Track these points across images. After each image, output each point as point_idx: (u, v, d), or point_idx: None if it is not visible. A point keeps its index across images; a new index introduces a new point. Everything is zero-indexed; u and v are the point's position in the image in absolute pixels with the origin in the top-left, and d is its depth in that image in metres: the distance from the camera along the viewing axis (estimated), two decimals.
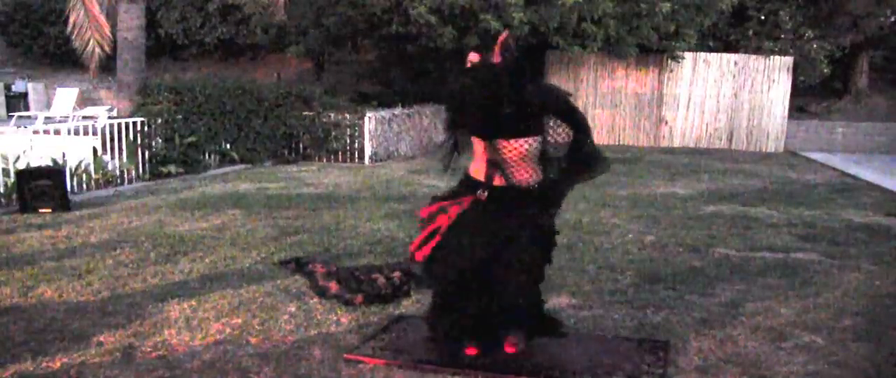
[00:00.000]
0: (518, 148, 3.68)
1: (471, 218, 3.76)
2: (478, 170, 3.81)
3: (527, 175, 3.74)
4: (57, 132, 9.57)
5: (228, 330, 4.26)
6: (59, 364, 3.74)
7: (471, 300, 3.81)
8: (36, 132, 9.49)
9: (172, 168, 10.44)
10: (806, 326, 4.49)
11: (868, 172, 12.67)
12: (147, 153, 10.38)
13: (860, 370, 3.87)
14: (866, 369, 3.88)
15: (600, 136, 17.36)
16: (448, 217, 3.79)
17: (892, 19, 17.69)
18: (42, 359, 3.78)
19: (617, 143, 17.21)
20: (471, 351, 3.88)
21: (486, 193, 3.74)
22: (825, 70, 17.00)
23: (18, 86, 18.21)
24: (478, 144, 3.79)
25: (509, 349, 3.91)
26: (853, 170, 13.01)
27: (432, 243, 3.81)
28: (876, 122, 17.24)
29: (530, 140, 3.69)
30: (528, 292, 3.89)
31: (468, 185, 3.83)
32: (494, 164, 3.73)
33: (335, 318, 4.50)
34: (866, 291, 5.30)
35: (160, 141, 10.82)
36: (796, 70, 16.79)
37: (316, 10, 14.78)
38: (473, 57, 3.74)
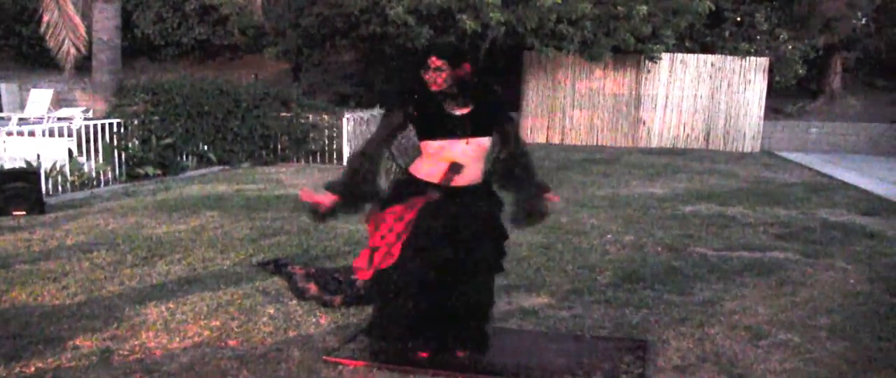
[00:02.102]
0: (481, 146, 3.68)
1: (431, 221, 3.66)
2: (427, 170, 3.68)
3: (478, 174, 3.73)
4: (31, 134, 9.45)
5: (207, 332, 4.23)
6: (33, 369, 3.69)
7: (429, 304, 3.75)
8: (9, 134, 9.37)
9: (149, 170, 10.35)
10: (782, 325, 4.54)
11: (842, 172, 12.83)
12: (123, 155, 10.28)
13: (835, 367, 3.91)
14: (841, 367, 3.92)
15: (578, 137, 17.46)
16: (404, 224, 3.67)
17: (864, 21, 17.95)
18: (16, 364, 3.73)
19: (595, 144, 17.30)
20: (423, 354, 3.84)
21: (437, 194, 3.65)
22: (800, 71, 17.21)
23: None
24: (432, 143, 3.67)
25: (460, 353, 3.88)
26: (828, 169, 13.18)
27: (390, 253, 3.68)
28: (849, 123, 17.48)
29: (488, 139, 3.73)
30: (487, 294, 3.89)
31: (416, 186, 3.70)
32: (455, 164, 3.64)
33: (314, 319, 4.48)
34: (841, 289, 5.36)
35: (137, 142, 10.73)
36: (772, 71, 16.98)
37: (293, 11, 14.75)
38: (435, 62, 3.68)
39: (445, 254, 3.67)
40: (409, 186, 3.72)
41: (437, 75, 3.61)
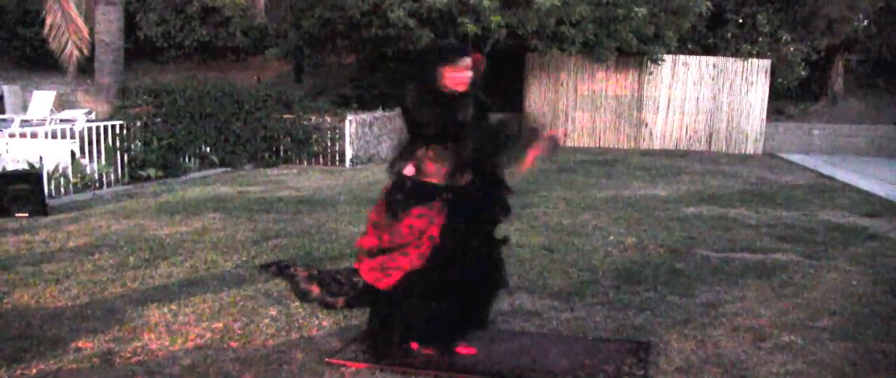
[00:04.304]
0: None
1: (457, 222, 3.70)
2: (434, 172, 3.70)
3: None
4: (34, 135, 9.46)
5: (209, 334, 4.23)
6: (35, 371, 3.69)
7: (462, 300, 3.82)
8: (12, 135, 9.38)
9: (151, 171, 10.36)
10: (785, 326, 4.53)
11: (844, 173, 12.81)
12: (126, 156, 10.29)
13: (838, 369, 3.90)
14: (844, 368, 3.92)
15: (581, 139, 17.45)
16: (436, 227, 3.69)
17: (866, 23, 17.93)
18: (18, 366, 3.73)
19: (597, 145, 17.29)
20: (469, 350, 3.90)
21: (450, 196, 3.70)
22: (802, 73, 17.19)
23: None
24: (438, 147, 3.68)
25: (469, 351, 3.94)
26: (830, 171, 13.16)
27: (422, 255, 3.69)
28: (851, 124, 17.46)
29: None
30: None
31: (427, 190, 3.70)
32: (462, 165, 3.70)
33: (317, 321, 4.48)
34: (844, 291, 5.35)
35: (139, 144, 10.73)
36: (774, 73, 16.96)
37: (295, 13, 14.76)
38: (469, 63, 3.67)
39: (477, 251, 3.75)
40: (421, 191, 3.70)
41: (468, 75, 3.60)
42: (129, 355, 3.91)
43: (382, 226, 3.78)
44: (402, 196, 3.72)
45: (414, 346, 3.88)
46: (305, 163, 12.60)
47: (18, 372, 3.67)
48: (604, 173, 12.00)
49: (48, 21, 11.81)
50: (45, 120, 14.17)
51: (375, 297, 3.89)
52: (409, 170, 3.74)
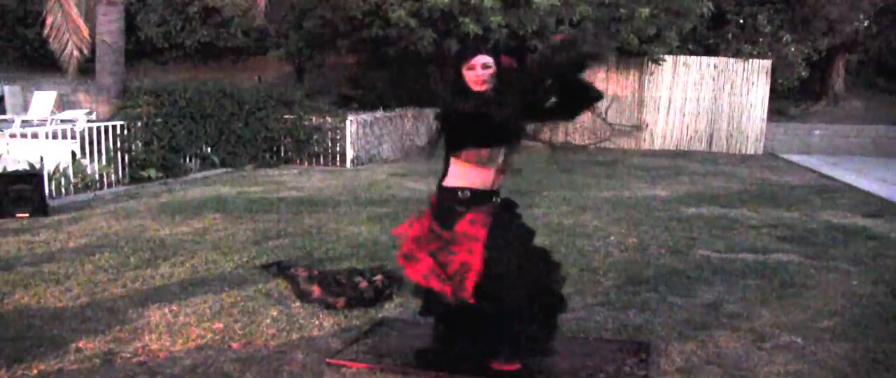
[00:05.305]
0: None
1: (511, 229, 3.61)
2: (477, 179, 3.56)
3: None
4: (35, 136, 9.46)
5: (210, 335, 4.23)
6: (36, 371, 3.69)
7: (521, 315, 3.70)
8: (13, 135, 9.38)
9: (152, 172, 10.36)
10: (786, 327, 4.53)
11: (845, 174, 12.81)
12: (126, 157, 10.30)
13: (839, 369, 3.90)
14: (845, 369, 3.92)
15: (581, 139, 17.43)
16: (485, 230, 3.54)
17: (867, 24, 17.94)
18: (18, 366, 3.73)
19: (598, 146, 17.27)
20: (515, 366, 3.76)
21: (499, 199, 3.66)
22: (803, 73, 17.20)
23: None
24: (485, 152, 3.56)
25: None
26: (831, 171, 13.16)
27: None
28: (852, 124, 17.46)
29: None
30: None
31: (475, 196, 3.56)
32: (502, 170, 3.62)
33: (317, 322, 4.48)
34: (844, 292, 5.35)
35: (140, 144, 10.73)
36: (775, 73, 16.96)
37: (296, 13, 14.76)
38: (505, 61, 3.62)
39: (534, 254, 3.74)
40: (467, 200, 3.56)
41: (486, 72, 3.54)
42: (129, 356, 3.91)
43: (430, 237, 3.60)
44: (463, 208, 3.56)
45: (494, 365, 3.71)
46: (306, 163, 12.60)
47: (19, 372, 3.67)
48: (604, 173, 12.00)
49: (49, 21, 11.83)
50: (45, 120, 14.16)
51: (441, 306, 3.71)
52: (452, 181, 3.59)
